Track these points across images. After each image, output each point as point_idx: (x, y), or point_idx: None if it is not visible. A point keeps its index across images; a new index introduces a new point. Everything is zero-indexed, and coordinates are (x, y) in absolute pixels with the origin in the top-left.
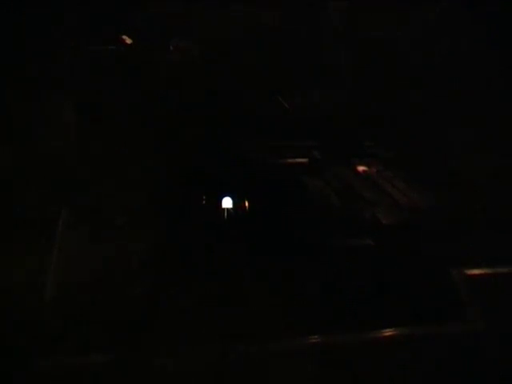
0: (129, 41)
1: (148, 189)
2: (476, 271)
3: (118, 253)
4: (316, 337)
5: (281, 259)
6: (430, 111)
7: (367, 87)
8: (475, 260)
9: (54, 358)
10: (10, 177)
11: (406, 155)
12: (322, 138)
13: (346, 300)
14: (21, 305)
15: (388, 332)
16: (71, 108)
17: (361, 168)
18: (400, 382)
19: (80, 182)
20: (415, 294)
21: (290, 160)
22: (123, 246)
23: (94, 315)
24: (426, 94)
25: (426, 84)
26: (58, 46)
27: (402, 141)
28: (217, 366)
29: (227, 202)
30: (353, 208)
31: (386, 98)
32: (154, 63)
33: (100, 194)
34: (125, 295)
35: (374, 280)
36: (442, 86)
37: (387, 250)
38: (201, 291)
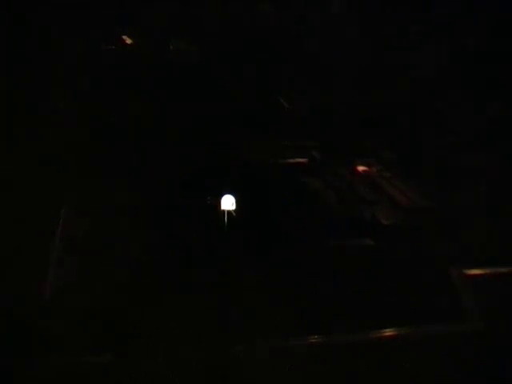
0: (129, 41)
1: (149, 189)
2: (476, 271)
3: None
4: (316, 337)
5: (280, 259)
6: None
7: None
8: (475, 260)
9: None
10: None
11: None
12: (322, 138)
13: (346, 299)
14: (21, 305)
15: (388, 332)
16: (73, 108)
17: (361, 168)
18: (400, 382)
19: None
20: (415, 294)
21: (290, 160)
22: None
23: (94, 315)
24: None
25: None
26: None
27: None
28: (216, 365)
29: (227, 203)
30: (353, 208)
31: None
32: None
33: (100, 194)
34: (123, 294)
35: (374, 280)
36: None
37: (387, 250)
38: (201, 291)
